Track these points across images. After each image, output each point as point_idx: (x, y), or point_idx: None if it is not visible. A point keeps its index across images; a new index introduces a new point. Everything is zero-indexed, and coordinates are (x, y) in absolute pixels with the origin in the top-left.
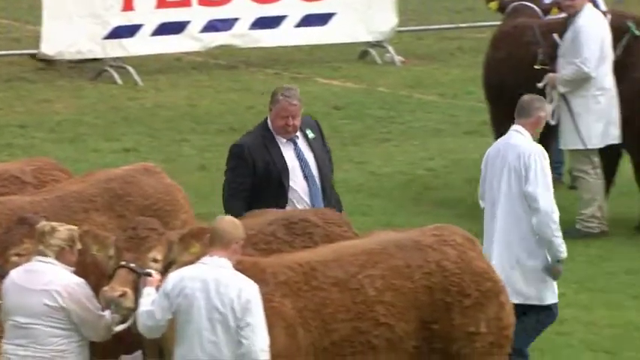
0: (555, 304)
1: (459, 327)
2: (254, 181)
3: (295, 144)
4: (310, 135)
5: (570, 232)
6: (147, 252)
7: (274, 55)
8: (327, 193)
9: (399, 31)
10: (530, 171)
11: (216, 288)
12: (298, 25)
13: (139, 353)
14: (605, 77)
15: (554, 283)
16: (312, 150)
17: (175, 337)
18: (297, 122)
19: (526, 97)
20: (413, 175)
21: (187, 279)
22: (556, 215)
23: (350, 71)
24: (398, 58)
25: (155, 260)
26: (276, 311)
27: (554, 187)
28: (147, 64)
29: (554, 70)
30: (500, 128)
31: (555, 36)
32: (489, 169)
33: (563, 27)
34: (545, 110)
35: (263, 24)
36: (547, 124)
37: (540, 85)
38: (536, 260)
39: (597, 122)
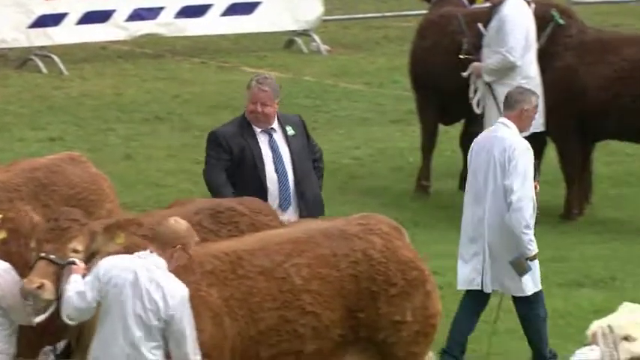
0: (537, 292)
1: (385, 316)
2: (232, 164)
3: (271, 136)
4: (290, 132)
5: None
6: (67, 243)
7: (200, 44)
8: (301, 191)
9: (325, 20)
10: (510, 164)
11: (147, 286)
12: (224, 14)
13: (62, 344)
14: (530, 66)
15: (536, 273)
16: (289, 146)
17: (97, 322)
18: (268, 111)
19: (511, 90)
20: (339, 164)
21: (120, 269)
22: (528, 212)
23: (276, 60)
24: (324, 47)
25: (75, 251)
26: (203, 300)
27: None
28: (72, 53)
29: (479, 60)
30: (426, 117)
31: (480, 25)
32: (474, 160)
33: (488, 16)
34: (530, 103)
35: (189, 13)
36: (472, 114)
37: (465, 74)
38: (514, 254)
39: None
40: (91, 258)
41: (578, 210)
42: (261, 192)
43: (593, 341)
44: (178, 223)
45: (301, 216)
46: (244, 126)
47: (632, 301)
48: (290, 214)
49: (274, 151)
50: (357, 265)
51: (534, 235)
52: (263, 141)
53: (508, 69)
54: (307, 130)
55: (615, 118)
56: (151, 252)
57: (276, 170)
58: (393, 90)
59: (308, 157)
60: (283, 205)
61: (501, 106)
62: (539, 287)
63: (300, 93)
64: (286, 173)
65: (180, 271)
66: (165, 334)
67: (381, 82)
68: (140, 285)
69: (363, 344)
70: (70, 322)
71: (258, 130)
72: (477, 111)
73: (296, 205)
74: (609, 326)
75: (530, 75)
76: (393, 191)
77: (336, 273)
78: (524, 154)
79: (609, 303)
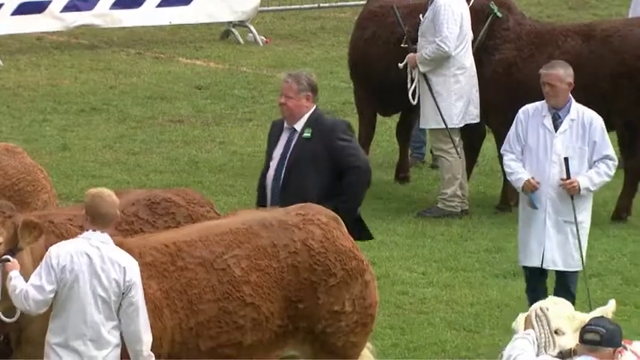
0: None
1: (324, 306)
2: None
3: (291, 135)
4: (305, 134)
5: (432, 211)
6: None
7: (136, 34)
8: (285, 195)
9: (262, 11)
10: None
11: (101, 264)
12: (160, 5)
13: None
14: (465, 56)
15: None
16: (294, 148)
17: (53, 312)
18: (291, 104)
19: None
20: None
21: (72, 253)
22: None
23: (212, 51)
24: (260, 38)
25: None
26: (143, 293)
27: (415, 166)
28: (7, 44)
29: (416, 51)
30: (364, 107)
31: (421, 16)
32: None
33: (425, 7)
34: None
35: (124, 4)
36: (409, 105)
37: (401, 65)
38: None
39: (457, 101)
40: (15, 252)
41: (514, 201)
42: (264, 188)
43: (527, 326)
44: (105, 196)
45: None
46: (281, 123)
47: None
48: None
49: (284, 150)
50: (297, 255)
51: (469, 225)
52: (283, 138)
53: (442, 59)
54: (336, 140)
55: None
56: (94, 231)
57: (276, 169)
58: (329, 81)
59: (314, 166)
60: (273, 204)
61: (436, 96)
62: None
63: (237, 84)
64: (279, 175)
65: None
66: (120, 312)
67: (317, 73)
68: (95, 265)
69: (303, 335)
70: (9, 320)
71: (286, 126)
72: (413, 102)
73: (283, 206)
74: (541, 308)
75: (465, 65)
76: None
77: (275, 264)
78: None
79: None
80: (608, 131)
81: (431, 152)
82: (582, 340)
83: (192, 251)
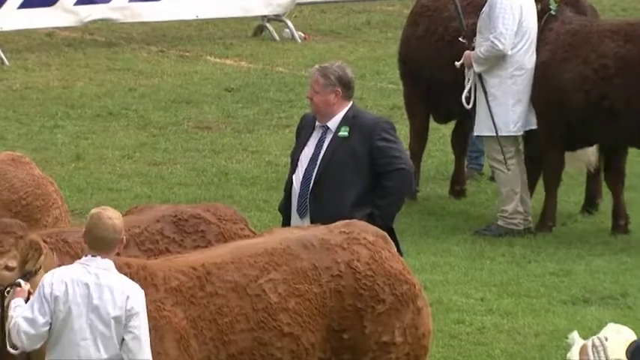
0: None
1: (372, 336)
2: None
3: (323, 134)
4: (341, 132)
5: (491, 228)
6: None
7: (158, 30)
8: (319, 196)
9: (299, 4)
10: None
11: (99, 294)
12: None
13: None
14: (525, 55)
15: None
16: (328, 148)
17: (47, 346)
18: (318, 99)
19: None
20: None
21: (67, 281)
22: None
23: (244, 49)
24: (298, 34)
25: (8, 268)
26: (167, 321)
27: (472, 178)
28: (14, 41)
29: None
30: (416, 112)
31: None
32: None
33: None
34: None
35: None
36: (466, 111)
37: (458, 64)
38: None
39: (515, 106)
40: (33, 275)
41: (552, 222)
42: (290, 195)
43: (582, 357)
44: (105, 218)
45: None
46: (312, 120)
47: None
48: (306, 222)
49: (315, 150)
50: (341, 279)
51: (533, 245)
52: (314, 137)
53: (498, 58)
54: (378, 139)
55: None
56: (94, 256)
57: (305, 170)
58: (375, 82)
59: (352, 167)
60: (300, 210)
61: (491, 99)
62: None
63: (272, 86)
64: (311, 175)
65: (141, 287)
66: (124, 344)
67: (362, 74)
68: (92, 297)
69: None
70: (15, 352)
71: (318, 124)
72: (467, 106)
73: (312, 213)
74: (599, 338)
75: (525, 66)
76: None
77: (316, 289)
78: None
79: (618, 322)
80: None
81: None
82: None
83: (224, 275)
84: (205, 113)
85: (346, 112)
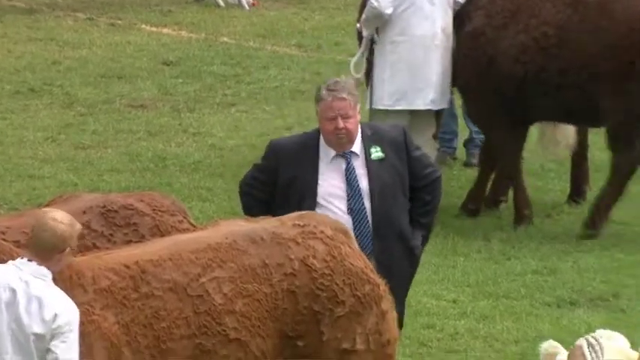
0: None
1: (330, 343)
2: (272, 194)
3: (348, 162)
4: (375, 154)
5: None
6: None
7: None
8: (382, 235)
9: None
10: None
11: (25, 304)
12: None
13: None
14: (411, 19)
15: None
16: (370, 175)
17: None
18: (351, 125)
19: None
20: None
21: None
22: None
23: (184, 16)
24: (246, 1)
25: None
26: (97, 327)
27: (444, 163)
28: None
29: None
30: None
31: None
32: None
33: None
34: None
35: None
36: None
37: (358, 26)
38: None
39: (393, 77)
40: None
41: (528, 210)
42: None
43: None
44: (59, 222)
45: (382, 267)
46: (310, 144)
47: None
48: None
49: (350, 185)
50: (295, 278)
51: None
52: (333, 169)
53: (378, 18)
54: (410, 149)
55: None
56: (30, 260)
57: (351, 211)
58: (334, 54)
59: (401, 188)
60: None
61: (376, 72)
62: None
63: (216, 59)
64: (365, 216)
65: (66, 288)
66: None
67: (319, 45)
68: (18, 305)
69: None
70: None
71: (331, 154)
72: (354, 74)
73: (376, 252)
74: (594, 336)
75: (407, 31)
76: None
77: (267, 289)
78: None
79: (610, 326)
80: (596, 125)
81: (464, 146)
82: None
83: (161, 273)
84: (140, 90)
85: (362, 131)
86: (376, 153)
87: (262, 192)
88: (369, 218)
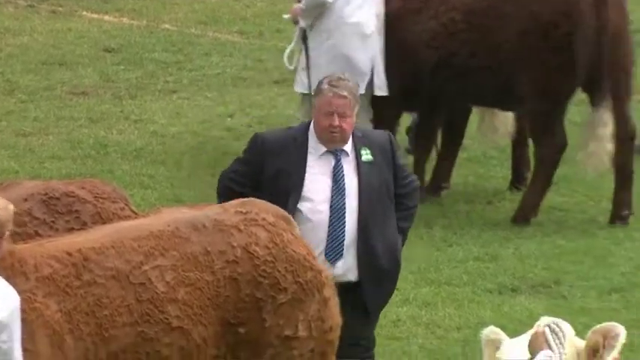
0: None
1: (272, 330)
2: (257, 189)
3: (337, 160)
4: (365, 156)
5: None
6: None
7: None
8: (367, 239)
9: None
10: None
11: None
12: None
13: None
14: (346, 7)
15: None
16: (359, 175)
17: None
18: (347, 125)
19: None
20: (207, 136)
21: None
22: None
23: (125, 3)
24: None
25: None
26: (39, 314)
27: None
28: None
29: None
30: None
31: None
32: None
33: None
34: None
35: None
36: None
37: (285, 16)
38: None
39: (330, 64)
40: None
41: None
42: None
43: (538, 346)
44: None
45: (364, 273)
46: (299, 139)
47: (582, 311)
48: (342, 269)
49: (336, 183)
50: (237, 265)
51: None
52: (321, 165)
53: (317, 7)
54: (396, 156)
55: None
56: None
57: (332, 208)
58: (276, 42)
59: (387, 193)
60: (330, 256)
61: (313, 58)
62: None
63: (158, 46)
64: (344, 214)
65: (8, 276)
66: None
67: (260, 32)
68: None
69: None
70: None
71: (320, 149)
72: (288, 66)
73: (354, 257)
74: (555, 322)
75: (345, 19)
76: None
77: (209, 276)
78: None
79: (551, 313)
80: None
81: (406, 133)
82: None
83: (103, 261)
84: (81, 77)
85: (353, 132)
86: (366, 155)
87: (242, 186)
88: (351, 221)
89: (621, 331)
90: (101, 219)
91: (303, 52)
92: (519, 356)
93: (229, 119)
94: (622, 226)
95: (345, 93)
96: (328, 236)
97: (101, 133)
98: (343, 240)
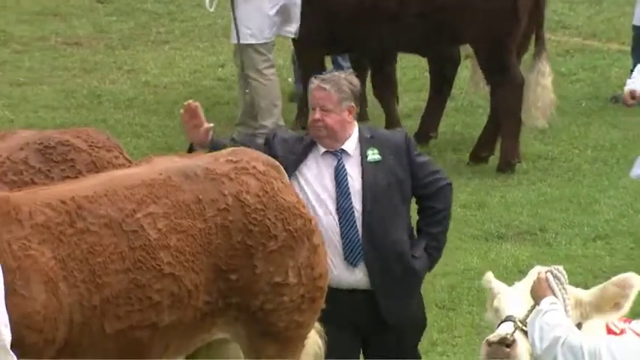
0: None
1: (263, 276)
2: None
3: (339, 161)
4: (371, 156)
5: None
6: None
7: None
8: (374, 241)
9: None
10: None
11: None
12: None
13: None
14: None
15: None
16: (363, 176)
17: None
18: (331, 120)
19: None
20: (199, 86)
21: None
22: None
23: None
24: None
25: None
26: (34, 261)
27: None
28: None
29: None
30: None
31: None
32: None
33: None
34: None
35: None
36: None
37: None
38: None
39: (271, 10)
40: None
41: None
42: None
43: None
44: None
45: (374, 275)
46: (305, 140)
47: (567, 257)
48: (361, 273)
49: (339, 184)
50: (228, 213)
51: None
52: (322, 165)
53: None
54: (413, 154)
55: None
56: None
57: (338, 211)
58: None
59: (400, 194)
60: (351, 259)
61: (243, 25)
62: None
63: None
64: (352, 211)
65: (4, 223)
66: None
67: None
68: None
69: (235, 313)
70: None
71: (321, 150)
72: (209, 8)
73: (368, 260)
74: (556, 268)
75: None
76: None
77: (200, 224)
78: None
79: (537, 260)
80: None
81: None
82: None
83: (96, 209)
84: (75, 27)
85: (360, 133)
86: (373, 155)
87: None
88: (358, 217)
89: (636, 282)
90: (96, 167)
91: (229, 2)
92: (520, 304)
93: (220, 69)
94: (607, 174)
95: (327, 86)
96: (343, 242)
97: (94, 83)
98: (359, 241)
